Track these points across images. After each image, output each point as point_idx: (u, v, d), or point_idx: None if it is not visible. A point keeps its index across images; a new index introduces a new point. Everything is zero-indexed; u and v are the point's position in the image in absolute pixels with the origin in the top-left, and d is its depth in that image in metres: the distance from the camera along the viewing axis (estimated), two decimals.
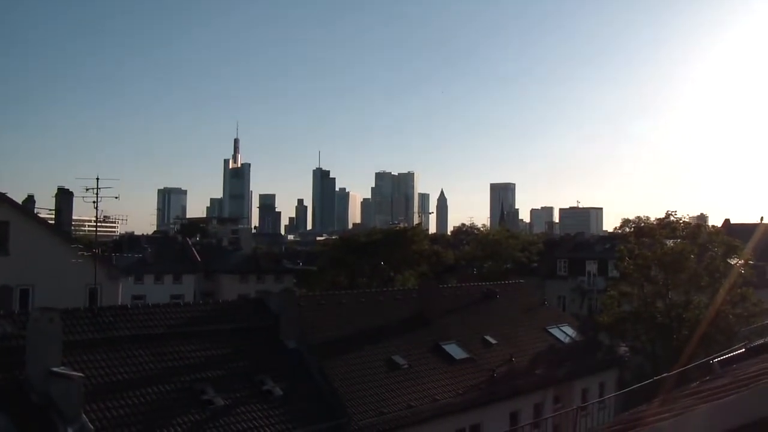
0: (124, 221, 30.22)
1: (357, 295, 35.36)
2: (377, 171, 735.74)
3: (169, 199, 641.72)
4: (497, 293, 40.53)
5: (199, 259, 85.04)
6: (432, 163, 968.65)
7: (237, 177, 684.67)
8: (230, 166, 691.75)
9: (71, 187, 38.93)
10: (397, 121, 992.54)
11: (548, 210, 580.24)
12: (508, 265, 77.60)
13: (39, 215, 36.95)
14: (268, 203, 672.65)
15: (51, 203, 38.51)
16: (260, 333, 27.49)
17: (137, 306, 26.72)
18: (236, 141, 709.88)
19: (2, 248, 33.65)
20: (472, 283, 45.36)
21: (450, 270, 78.09)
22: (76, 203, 38.90)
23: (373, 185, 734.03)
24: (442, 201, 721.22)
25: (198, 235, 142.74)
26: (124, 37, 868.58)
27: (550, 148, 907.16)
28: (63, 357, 20.80)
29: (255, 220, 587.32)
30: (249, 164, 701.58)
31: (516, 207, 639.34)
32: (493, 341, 34.64)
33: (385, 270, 73.48)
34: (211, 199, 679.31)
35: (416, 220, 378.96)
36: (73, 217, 40.02)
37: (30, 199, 38.02)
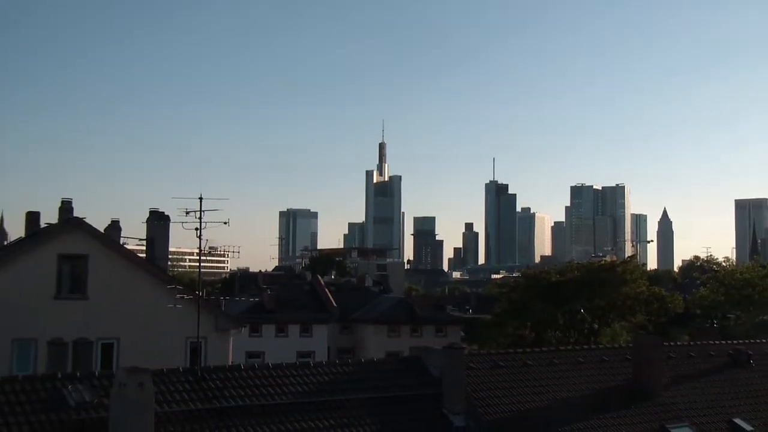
0: (236, 254, 30.96)
1: (547, 354, 34.74)
2: (573, 185, 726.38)
3: (295, 224, 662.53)
4: (751, 357, 38.43)
5: (334, 304, 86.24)
6: (650, 173, 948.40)
7: (383, 194, 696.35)
8: (374, 180, 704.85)
9: (166, 209, 40.55)
10: (600, 117, 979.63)
11: None
12: (766, 317, 73.98)
13: (126, 246, 38.63)
14: (425, 229, 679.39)
15: (141, 230, 40.25)
16: (416, 404, 27.39)
17: (253, 366, 27.22)
18: (382, 146, 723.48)
19: (79, 290, 35.40)
20: (711, 341, 43.24)
21: (678, 321, 75.75)
22: (173, 231, 40.44)
23: (568, 204, 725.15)
24: (665, 225, 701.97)
25: (333, 272, 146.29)
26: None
27: None
28: None
29: (408, 252, 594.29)
30: (399, 177, 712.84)
31: None
32: (747, 427, 32.80)
33: (585, 320, 72.14)
34: (349, 224, 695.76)
35: (629, 252, 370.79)
36: (170, 249, 41.58)
37: (114, 226, 39.91)
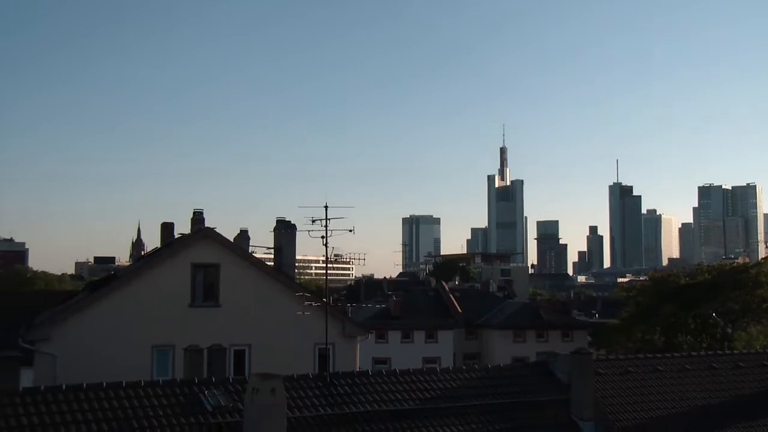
0: (362, 261, 31.19)
1: (679, 359, 33.95)
2: (701, 185, 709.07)
3: (418, 230, 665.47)
4: None
5: (459, 309, 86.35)
6: None
7: (506, 199, 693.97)
8: (496, 185, 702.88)
9: (292, 218, 41.28)
10: (728, 114, 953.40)
11: None
12: None
13: (255, 255, 39.45)
14: (549, 233, 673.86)
15: (268, 239, 41.08)
16: (543, 410, 27.22)
17: (380, 372, 27.56)
18: (503, 151, 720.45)
19: (212, 298, 36.29)
20: None
21: None
22: (299, 239, 41.15)
23: (696, 205, 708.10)
24: None
25: (456, 278, 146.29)
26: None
27: None
28: None
29: (532, 256, 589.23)
30: (521, 181, 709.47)
31: None
32: None
33: (718, 324, 70.34)
34: (472, 229, 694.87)
35: (762, 253, 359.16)
36: (296, 257, 42.30)
37: (243, 235, 40.77)
